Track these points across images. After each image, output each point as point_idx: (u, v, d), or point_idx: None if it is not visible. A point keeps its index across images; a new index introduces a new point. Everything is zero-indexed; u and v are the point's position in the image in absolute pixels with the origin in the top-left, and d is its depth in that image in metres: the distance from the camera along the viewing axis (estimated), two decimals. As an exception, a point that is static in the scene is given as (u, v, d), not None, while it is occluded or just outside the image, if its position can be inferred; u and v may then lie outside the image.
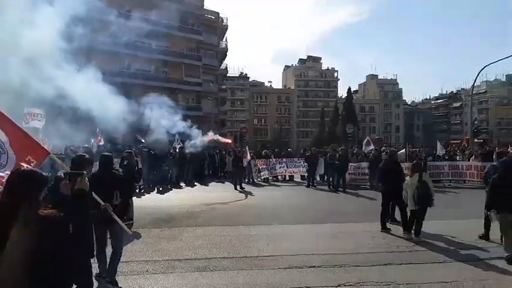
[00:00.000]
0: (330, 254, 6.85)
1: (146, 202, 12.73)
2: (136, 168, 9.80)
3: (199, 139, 15.90)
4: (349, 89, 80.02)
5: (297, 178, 20.23)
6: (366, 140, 22.66)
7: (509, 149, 22.24)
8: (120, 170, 7.49)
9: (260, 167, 19.32)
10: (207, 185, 18.49)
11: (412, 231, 7.90)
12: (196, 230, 8.87)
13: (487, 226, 7.78)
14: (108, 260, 5.28)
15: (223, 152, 22.18)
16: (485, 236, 7.80)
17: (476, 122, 30.79)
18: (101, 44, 20.66)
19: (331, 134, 66.70)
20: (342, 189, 16.13)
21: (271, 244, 7.56)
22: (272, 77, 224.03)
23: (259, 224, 9.60)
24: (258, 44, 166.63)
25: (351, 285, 5.35)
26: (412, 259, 6.63)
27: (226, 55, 56.77)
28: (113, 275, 5.23)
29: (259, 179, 19.36)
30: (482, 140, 48.97)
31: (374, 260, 6.53)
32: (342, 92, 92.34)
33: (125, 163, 9.88)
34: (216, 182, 19.74)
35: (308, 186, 17.50)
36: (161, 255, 6.81)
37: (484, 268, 6.14)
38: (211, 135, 16.51)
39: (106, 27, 17.65)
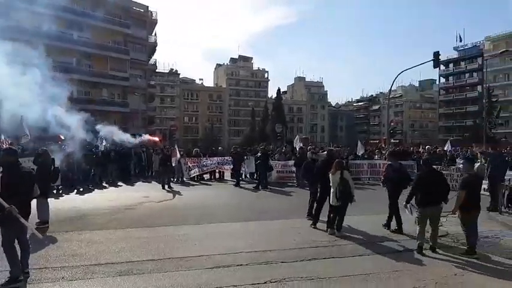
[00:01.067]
0: (257, 251, 6.91)
1: (64, 204, 11.86)
2: (52, 167, 9.06)
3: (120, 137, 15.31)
4: (279, 89, 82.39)
5: (227, 177, 20.23)
6: (296, 138, 23.43)
7: (420, 149, 24.40)
8: (33, 167, 6.89)
9: (190, 165, 18.98)
10: (132, 185, 17.74)
11: (335, 227, 8.27)
12: (119, 232, 8.44)
13: (399, 221, 8.45)
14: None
15: (151, 151, 21.43)
16: (399, 230, 8.43)
17: (392, 124, 33.20)
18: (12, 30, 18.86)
19: (262, 133, 67.91)
20: (264, 187, 16.34)
21: (199, 244, 7.44)
22: (203, 74, 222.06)
23: (187, 223, 9.39)
24: (189, 41, 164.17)
25: (276, 281, 5.43)
26: (334, 253, 6.93)
27: (155, 50, 55.10)
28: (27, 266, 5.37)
29: (188, 178, 18.99)
30: (397, 140, 53.24)
31: (299, 255, 6.72)
32: (272, 93, 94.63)
33: (40, 160, 9.12)
34: (143, 181, 19.03)
35: (236, 185, 17.52)
36: (79, 260, 6.35)
37: (400, 259, 6.60)
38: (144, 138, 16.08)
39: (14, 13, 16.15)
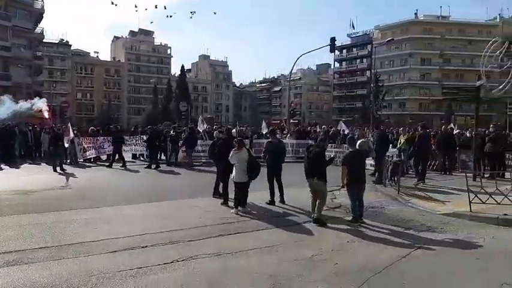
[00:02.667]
0: (163, 232, 6.78)
1: None
2: None
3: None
4: (183, 67, 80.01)
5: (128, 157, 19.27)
6: (200, 119, 23.18)
7: (317, 128, 26.07)
8: None
9: (86, 146, 17.62)
10: (18, 168, 15.94)
11: (239, 205, 8.46)
12: (5, 219, 7.55)
13: (273, 194, 9.21)
14: None
15: (39, 129, 19.35)
16: (272, 202, 9.15)
17: (292, 105, 34.88)
18: None
19: (165, 111, 65.86)
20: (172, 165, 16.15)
21: (99, 228, 7.02)
22: (99, 47, 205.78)
23: (84, 207, 8.76)
24: (83, 9, 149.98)
25: (184, 259, 5.40)
26: (239, 229, 7.13)
27: (42, 17, 49.25)
28: None
29: (82, 159, 17.63)
30: (297, 121, 56.21)
31: (206, 232, 6.77)
32: (175, 70, 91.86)
33: None
34: (30, 163, 17.21)
35: (149, 167, 16.59)
36: (-46, 253, 5.54)
37: (299, 231, 7.07)
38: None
39: None
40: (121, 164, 16.42)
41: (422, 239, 6.66)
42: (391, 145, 14.00)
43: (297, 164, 13.21)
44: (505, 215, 7.67)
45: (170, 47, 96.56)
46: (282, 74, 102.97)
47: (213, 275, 4.93)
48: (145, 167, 16.22)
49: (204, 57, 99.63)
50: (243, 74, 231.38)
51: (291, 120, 36.60)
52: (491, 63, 13.00)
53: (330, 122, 63.48)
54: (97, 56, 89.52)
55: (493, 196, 8.10)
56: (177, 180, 13.59)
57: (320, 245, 6.26)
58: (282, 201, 9.28)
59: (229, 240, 6.49)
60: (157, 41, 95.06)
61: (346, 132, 23.18)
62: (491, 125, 16.26)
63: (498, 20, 72.34)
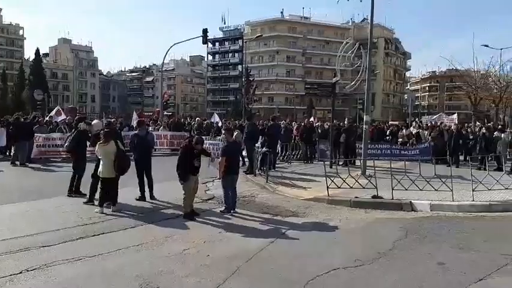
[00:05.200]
0: (16, 238, 5.87)
1: None
2: None
3: None
4: (38, 50, 70.21)
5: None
6: (56, 109, 20.81)
7: (192, 122, 25.87)
8: None
9: None
10: None
11: (104, 204, 7.81)
12: None
13: (142, 189, 8.80)
14: None
15: None
16: (142, 198, 8.73)
17: (165, 96, 33.87)
18: None
19: (16, 100, 57.37)
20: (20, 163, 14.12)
21: None
22: None
23: None
24: None
25: (35, 269, 4.74)
26: (105, 229, 6.58)
27: None
28: None
29: None
30: (171, 113, 55.03)
31: (64, 236, 6.06)
32: (30, 54, 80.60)
33: None
34: None
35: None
36: None
37: (171, 226, 6.85)
38: None
39: None
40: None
41: (288, 223, 7.12)
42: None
43: (173, 156, 12.87)
44: (356, 197, 8.70)
45: (23, 27, 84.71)
46: (154, 64, 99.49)
47: (72, 283, 4.42)
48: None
49: (65, 41, 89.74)
50: (111, 62, 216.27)
51: (165, 112, 35.59)
52: (345, 63, 14.64)
53: (205, 114, 63.99)
54: None
55: (346, 181, 9.12)
56: (32, 179, 11.95)
57: (192, 238, 6.18)
58: (152, 196, 8.91)
59: (93, 242, 5.94)
60: (6, 20, 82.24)
61: (219, 125, 23.59)
62: (346, 118, 18.37)
63: (350, 23, 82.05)
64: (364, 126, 13.22)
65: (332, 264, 4.95)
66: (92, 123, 9.67)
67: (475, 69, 33.06)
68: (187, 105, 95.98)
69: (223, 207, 7.94)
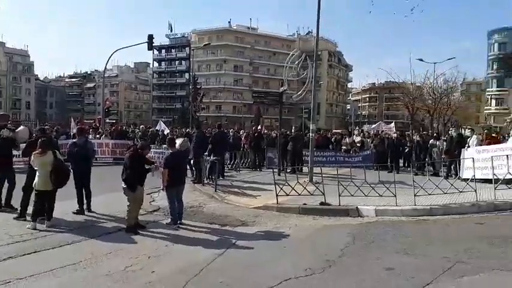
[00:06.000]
0: None
1: None
2: None
3: None
4: (-36, 53, 65.02)
5: None
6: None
7: (136, 129, 24.97)
8: None
9: None
10: None
11: (38, 218, 7.14)
12: None
13: (81, 202, 8.18)
14: None
15: None
16: (81, 211, 8.11)
17: (107, 103, 32.50)
18: None
19: None
20: None
21: None
22: None
23: None
24: None
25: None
26: (38, 246, 5.98)
27: None
28: None
29: None
30: (114, 121, 52.84)
31: (-10, 256, 5.43)
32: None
33: None
34: None
35: None
36: None
37: (113, 241, 6.40)
38: None
39: None
40: None
41: (237, 233, 6.94)
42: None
43: (116, 166, 12.22)
44: (305, 204, 8.73)
45: None
46: (96, 70, 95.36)
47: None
48: None
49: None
50: (49, 67, 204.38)
51: (107, 120, 34.04)
52: (292, 73, 14.88)
53: (150, 122, 62.16)
54: None
55: (295, 188, 9.14)
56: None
57: (136, 253, 5.79)
58: (89, 209, 8.30)
59: (24, 261, 5.37)
60: None
61: (165, 133, 22.94)
62: (293, 127, 18.65)
63: (296, 36, 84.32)
64: (310, 135, 13.44)
65: (284, 274, 4.83)
66: (17, 130, 8.78)
67: (412, 82, 35.30)
68: (131, 112, 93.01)
69: (169, 219, 7.59)
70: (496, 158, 9.33)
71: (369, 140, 18.99)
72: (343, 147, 17.85)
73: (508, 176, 8.94)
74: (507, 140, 13.38)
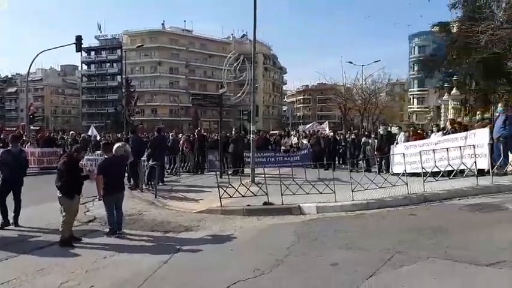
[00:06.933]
0: None
1: None
2: None
3: None
4: None
5: None
6: None
7: (65, 136, 23.46)
8: None
9: None
10: None
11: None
12: None
13: (5, 214, 7.58)
14: None
15: None
16: (6, 223, 7.53)
17: (32, 109, 30.14)
18: None
19: None
20: None
21: None
22: None
23: None
24: None
25: None
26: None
27: None
28: None
29: None
30: (39, 127, 49.09)
31: None
32: None
33: None
34: None
35: None
36: None
37: (45, 255, 5.93)
38: None
39: None
40: None
41: (182, 239, 6.75)
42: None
43: (44, 176, 11.35)
44: (248, 205, 8.73)
45: None
46: (18, 73, 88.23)
47: None
48: None
49: None
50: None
51: (31, 127, 31.51)
52: (230, 75, 14.88)
53: (80, 127, 58.73)
54: None
55: (238, 190, 9.10)
56: None
57: (72, 268, 5.38)
58: (16, 222, 7.59)
59: None
60: None
61: (98, 139, 21.80)
62: (234, 129, 18.65)
63: (231, 38, 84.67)
64: (251, 136, 13.51)
65: (232, 277, 4.76)
66: None
67: (343, 83, 37.08)
68: (59, 118, 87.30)
69: (108, 229, 7.16)
70: (424, 153, 10.03)
71: (305, 140, 19.55)
72: (283, 148, 18.19)
73: (435, 169, 9.65)
74: (430, 136, 14.46)
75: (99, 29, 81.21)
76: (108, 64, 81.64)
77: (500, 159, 9.71)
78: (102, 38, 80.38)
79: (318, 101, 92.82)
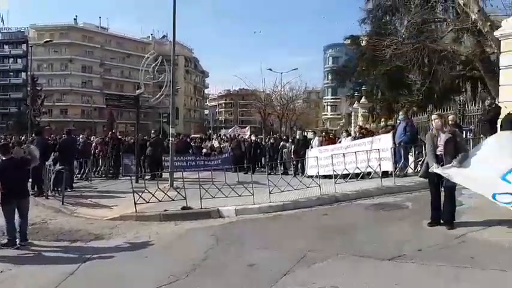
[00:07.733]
0: None
1: None
2: None
3: None
4: None
5: None
6: None
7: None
8: None
9: None
10: None
11: None
12: None
13: None
14: None
15: None
16: None
17: None
18: None
19: None
20: None
21: None
22: None
23: None
24: None
25: None
26: None
27: None
28: None
29: None
30: None
31: None
32: None
33: None
34: None
35: None
36: None
37: None
38: None
39: None
40: None
41: (91, 248, 6.31)
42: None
43: None
44: (165, 210, 8.47)
45: None
46: None
47: None
48: None
49: None
50: None
51: None
52: (148, 76, 14.38)
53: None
54: None
55: (155, 195, 8.80)
56: None
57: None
58: None
59: None
60: None
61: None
62: (152, 131, 18.04)
63: (151, 39, 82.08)
64: (170, 139, 13.18)
65: (145, 285, 4.57)
66: None
67: (263, 89, 38.07)
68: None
69: (6, 240, 6.43)
70: (335, 156, 10.64)
71: (226, 143, 19.65)
72: (204, 151, 18.08)
73: (345, 172, 10.31)
74: (340, 141, 15.44)
75: (2, 21, 73.40)
76: (11, 59, 73.93)
77: (401, 162, 10.71)
78: (5, 31, 72.75)
79: (239, 105, 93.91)
